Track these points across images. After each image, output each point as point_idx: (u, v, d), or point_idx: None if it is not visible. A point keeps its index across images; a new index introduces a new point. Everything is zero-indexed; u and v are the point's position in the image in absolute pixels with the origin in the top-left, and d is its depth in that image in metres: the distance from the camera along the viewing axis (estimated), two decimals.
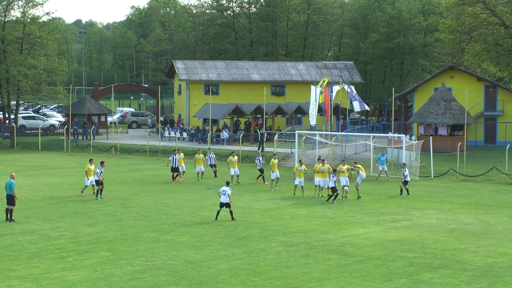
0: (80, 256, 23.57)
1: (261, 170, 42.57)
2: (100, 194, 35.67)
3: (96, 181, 35.89)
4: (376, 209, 33.35)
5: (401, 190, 37.39)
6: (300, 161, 38.64)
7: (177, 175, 42.50)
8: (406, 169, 37.69)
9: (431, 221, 30.37)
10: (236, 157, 42.16)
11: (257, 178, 42.98)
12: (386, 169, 44.74)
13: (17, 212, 31.52)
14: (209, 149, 47.33)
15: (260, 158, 42.92)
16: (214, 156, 45.34)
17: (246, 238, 26.61)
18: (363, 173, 37.70)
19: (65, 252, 24.06)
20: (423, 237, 26.85)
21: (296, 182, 37.20)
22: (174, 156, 42.51)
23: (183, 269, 22.02)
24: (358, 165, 37.94)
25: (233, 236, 26.83)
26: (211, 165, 44.42)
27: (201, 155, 43.10)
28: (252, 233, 27.52)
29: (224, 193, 29.78)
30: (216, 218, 29.78)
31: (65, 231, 27.69)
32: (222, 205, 29.94)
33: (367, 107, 62.87)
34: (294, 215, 31.61)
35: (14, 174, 30.65)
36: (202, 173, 43.01)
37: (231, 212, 30.01)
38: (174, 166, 42.24)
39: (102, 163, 36.90)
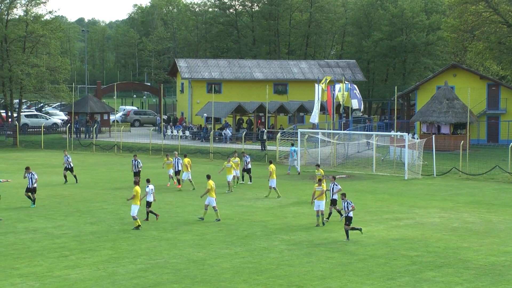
0: (83, 254, 23.59)
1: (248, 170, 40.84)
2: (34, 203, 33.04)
3: (30, 188, 32.84)
4: (378, 207, 33.33)
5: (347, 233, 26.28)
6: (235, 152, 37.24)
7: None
8: (349, 202, 26.06)
9: (434, 219, 30.35)
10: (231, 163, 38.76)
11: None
12: (294, 164, 45.14)
13: (20, 211, 31.60)
14: (242, 152, 43.46)
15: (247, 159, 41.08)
16: (248, 160, 41.50)
17: (248, 236, 26.61)
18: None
19: (67, 251, 24.08)
20: (425, 236, 26.83)
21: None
22: (134, 160, 40.50)
23: (185, 267, 22.03)
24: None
25: (235, 235, 26.83)
26: (245, 170, 40.93)
27: (231, 163, 38.53)
28: (254, 231, 27.52)
29: (152, 191, 29.18)
30: (147, 219, 29.26)
31: (68, 229, 27.71)
32: (150, 204, 29.25)
33: (361, 107, 62.89)
34: (296, 213, 31.58)
35: None
36: (237, 178, 40.11)
37: (151, 212, 29.31)
38: (135, 171, 39.97)
39: (27, 169, 33.44)
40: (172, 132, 67.28)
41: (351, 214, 25.89)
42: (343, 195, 26.55)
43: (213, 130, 61.03)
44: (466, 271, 21.82)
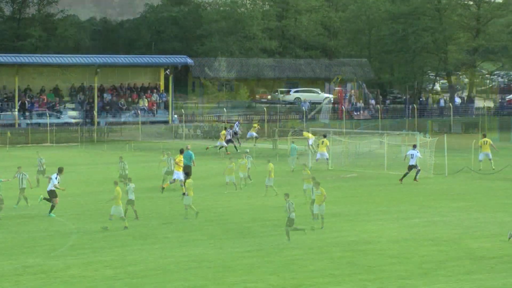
0: (95, 253, 23.67)
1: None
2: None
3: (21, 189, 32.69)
4: (389, 206, 33.25)
5: None
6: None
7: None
8: (291, 204, 25.74)
9: (445, 218, 30.24)
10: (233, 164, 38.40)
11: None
12: (293, 161, 45.12)
13: (31, 209, 31.76)
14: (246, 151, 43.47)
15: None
16: (251, 159, 41.71)
17: (259, 235, 26.61)
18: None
19: (79, 249, 24.17)
20: (437, 235, 26.75)
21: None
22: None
23: (196, 266, 22.06)
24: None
25: (246, 234, 26.85)
26: None
27: (232, 164, 38.05)
28: (265, 230, 27.53)
29: (132, 190, 29.20)
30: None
31: (80, 228, 27.82)
32: (132, 202, 29.30)
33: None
34: (307, 213, 31.51)
35: None
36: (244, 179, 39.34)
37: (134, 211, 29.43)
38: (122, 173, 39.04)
39: (19, 168, 33.58)
40: (183, 131, 67.37)
41: (293, 215, 25.44)
42: (286, 195, 26.15)
43: (224, 129, 61.08)
44: (478, 270, 21.75)
